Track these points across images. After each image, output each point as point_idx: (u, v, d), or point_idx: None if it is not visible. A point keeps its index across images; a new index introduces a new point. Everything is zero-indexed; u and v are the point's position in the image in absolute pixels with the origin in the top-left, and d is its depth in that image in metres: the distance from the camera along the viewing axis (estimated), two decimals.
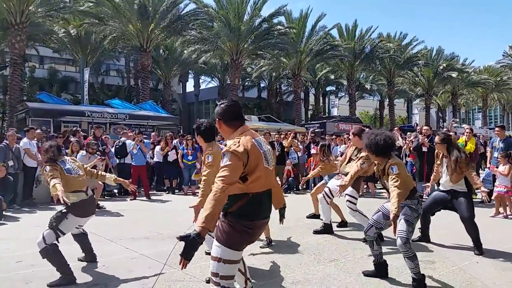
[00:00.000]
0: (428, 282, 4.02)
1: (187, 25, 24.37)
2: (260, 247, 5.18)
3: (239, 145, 2.65)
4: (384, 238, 5.32)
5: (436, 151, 5.54)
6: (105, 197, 9.99)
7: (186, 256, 2.43)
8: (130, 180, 6.03)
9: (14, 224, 7.06)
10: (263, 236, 5.22)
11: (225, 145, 2.78)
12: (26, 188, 9.03)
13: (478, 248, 5.08)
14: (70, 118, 15.38)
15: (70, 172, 4.27)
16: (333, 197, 6.03)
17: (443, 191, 5.32)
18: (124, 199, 10.25)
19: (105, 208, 8.51)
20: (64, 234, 4.19)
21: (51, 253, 4.06)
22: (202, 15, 24.66)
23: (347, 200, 5.77)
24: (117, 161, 10.91)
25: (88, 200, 4.35)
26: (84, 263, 4.61)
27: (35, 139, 9.56)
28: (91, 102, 24.13)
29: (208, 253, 4.10)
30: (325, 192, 6.09)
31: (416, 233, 5.30)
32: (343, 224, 6.65)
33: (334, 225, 6.34)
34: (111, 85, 39.83)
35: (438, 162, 5.45)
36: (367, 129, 5.26)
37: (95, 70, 35.65)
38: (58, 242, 4.14)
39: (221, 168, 2.64)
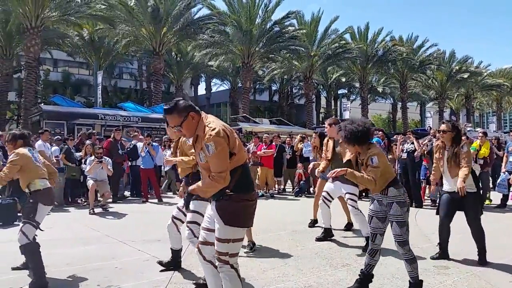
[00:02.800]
0: (442, 287, 3.97)
1: (199, 29, 24.54)
2: (245, 253, 5.06)
3: (216, 129, 2.67)
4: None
5: (436, 142, 5.00)
6: (118, 200, 10.06)
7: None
8: None
9: None
10: (245, 242, 5.10)
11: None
12: None
13: (481, 257, 4.70)
14: (84, 121, 15.59)
15: (37, 160, 4.35)
16: (333, 199, 5.95)
17: (451, 192, 4.75)
18: (135, 201, 10.31)
19: (112, 209, 8.56)
20: (39, 224, 4.17)
21: (33, 250, 4.04)
22: (215, 19, 24.85)
23: (349, 199, 5.52)
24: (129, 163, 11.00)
25: (51, 188, 4.41)
26: (96, 264, 4.64)
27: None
28: (104, 105, 24.43)
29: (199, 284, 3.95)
30: (324, 196, 5.91)
31: (435, 249, 5.06)
32: (349, 225, 6.56)
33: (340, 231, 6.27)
34: (124, 88, 40.30)
35: (437, 155, 4.87)
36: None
37: (108, 73, 36.13)
38: (37, 235, 4.19)
39: (211, 159, 2.67)
